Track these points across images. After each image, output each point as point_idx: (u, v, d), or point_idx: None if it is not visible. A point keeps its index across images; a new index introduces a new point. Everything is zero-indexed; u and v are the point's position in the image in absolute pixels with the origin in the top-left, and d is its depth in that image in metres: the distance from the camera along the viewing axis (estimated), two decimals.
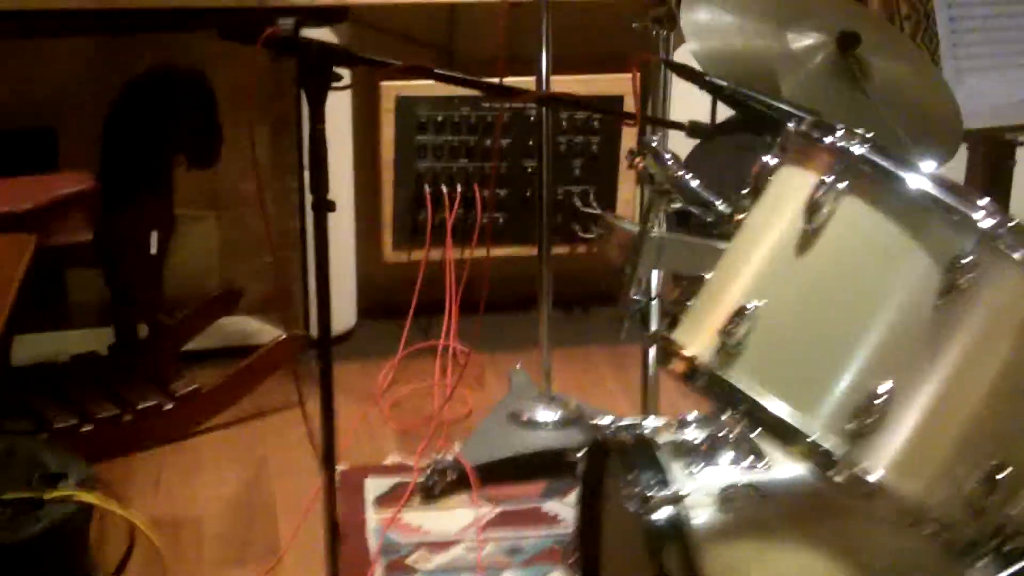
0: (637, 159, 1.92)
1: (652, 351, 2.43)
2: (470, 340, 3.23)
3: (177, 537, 2.66)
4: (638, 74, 1.87)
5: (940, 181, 1.55)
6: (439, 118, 3.38)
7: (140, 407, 3.03)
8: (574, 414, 3.06)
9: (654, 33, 2.18)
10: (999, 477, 1.55)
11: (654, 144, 1.91)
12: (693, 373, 1.63)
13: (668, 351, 1.69)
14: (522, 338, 3.27)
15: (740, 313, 1.58)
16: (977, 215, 1.52)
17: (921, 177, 1.55)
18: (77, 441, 2.86)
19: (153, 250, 3.04)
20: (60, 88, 3.23)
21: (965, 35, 2.68)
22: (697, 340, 1.64)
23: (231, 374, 3.14)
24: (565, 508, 2.76)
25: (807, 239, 1.57)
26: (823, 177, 1.57)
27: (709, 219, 1.90)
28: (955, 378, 1.53)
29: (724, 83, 1.96)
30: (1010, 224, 1.52)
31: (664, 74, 2.51)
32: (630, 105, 2.20)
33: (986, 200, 1.53)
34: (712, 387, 1.60)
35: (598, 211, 3.43)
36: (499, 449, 2.95)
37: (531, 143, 3.37)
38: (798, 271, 1.58)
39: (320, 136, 1.93)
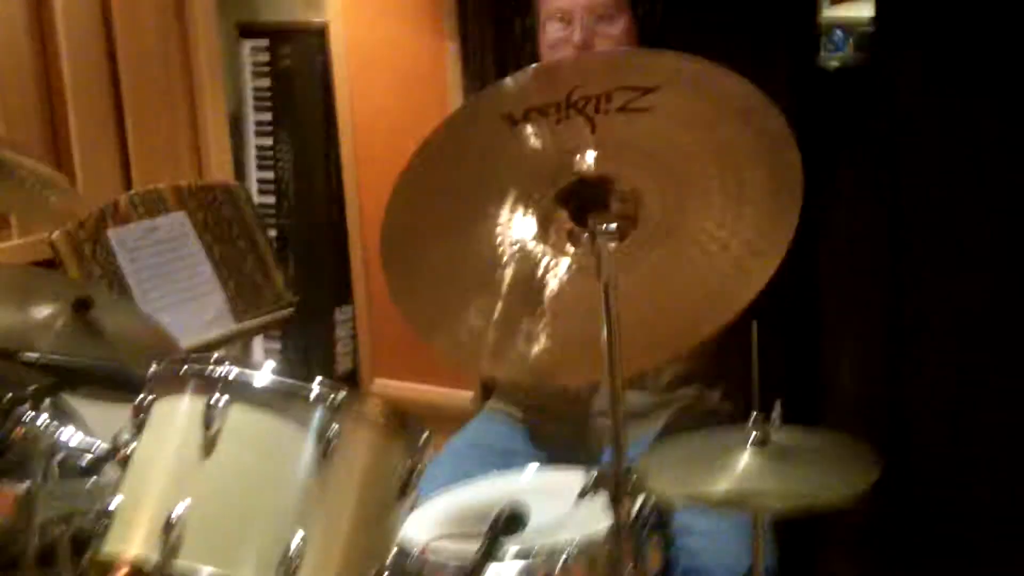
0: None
1: None
2: None
3: None
4: None
5: (278, 372, 2.04)
6: None
7: None
8: None
9: None
10: None
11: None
12: (139, 573, 1.93)
13: (105, 564, 1.96)
14: None
15: (169, 518, 1.91)
16: (315, 392, 2.03)
17: (264, 374, 2.04)
18: None
19: None
20: None
21: (146, 282, 3.27)
22: (135, 544, 1.94)
23: None
24: None
25: (209, 443, 1.97)
26: (208, 398, 1.99)
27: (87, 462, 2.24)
28: (337, 517, 2.00)
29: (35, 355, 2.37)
30: (342, 393, 2.03)
31: None
32: None
33: (319, 378, 2.04)
34: None
35: None
36: None
37: None
38: (209, 468, 1.96)
39: None
